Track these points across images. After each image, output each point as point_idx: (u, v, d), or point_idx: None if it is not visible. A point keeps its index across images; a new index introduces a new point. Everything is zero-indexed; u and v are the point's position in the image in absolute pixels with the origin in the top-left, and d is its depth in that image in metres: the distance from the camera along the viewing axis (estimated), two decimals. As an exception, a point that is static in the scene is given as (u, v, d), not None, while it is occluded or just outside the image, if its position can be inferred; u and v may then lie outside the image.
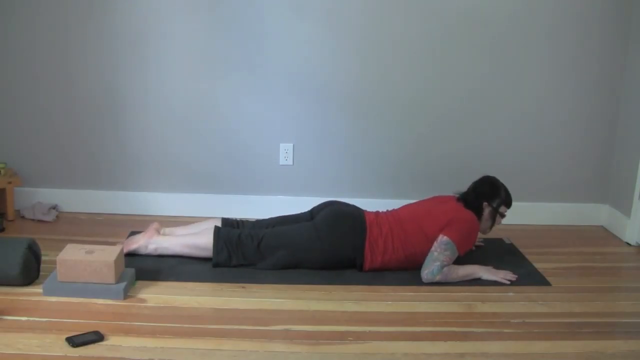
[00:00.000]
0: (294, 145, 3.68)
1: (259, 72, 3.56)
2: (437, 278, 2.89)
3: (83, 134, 3.63)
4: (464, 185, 3.22)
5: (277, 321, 2.51)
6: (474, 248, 3.32)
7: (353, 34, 3.54)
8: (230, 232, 3.00)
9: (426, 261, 2.92)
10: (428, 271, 2.89)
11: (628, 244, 3.55)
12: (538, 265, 3.16)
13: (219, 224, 3.12)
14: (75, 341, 2.25)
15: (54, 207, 3.64)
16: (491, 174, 3.19)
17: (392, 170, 3.72)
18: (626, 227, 3.56)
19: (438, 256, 2.89)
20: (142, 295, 2.68)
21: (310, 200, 3.33)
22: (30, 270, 2.69)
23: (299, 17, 3.51)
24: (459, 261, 2.98)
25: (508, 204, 3.13)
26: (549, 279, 3.01)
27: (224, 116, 3.62)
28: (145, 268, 2.89)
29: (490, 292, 2.85)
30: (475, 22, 3.53)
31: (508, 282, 2.93)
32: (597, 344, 2.43)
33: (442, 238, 2.91)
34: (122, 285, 2.64)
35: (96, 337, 2.29)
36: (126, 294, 2.65)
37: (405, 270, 3.00)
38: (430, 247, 2.93)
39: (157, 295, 2.68)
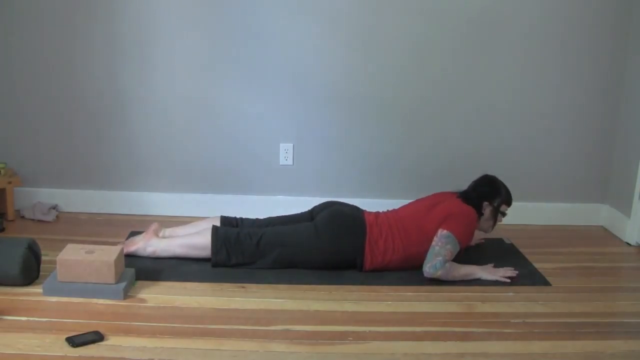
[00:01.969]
0: (294, 145, 3.68)
1: (259, 72, 3.56)
2: (439, 273, 2.88)
3: (83, 134, 3.63)
4: (464, 186, 3.22)
5: (277, 321, 2.51)
6: (473, 244, 3.33)
7: (353, 34, 3.54)
8: (228, 231, 3.00)
9: (428, 256, 2.91)
10: (430, 265, 2.89)
11: (628, 244, 3.55)
12: (538, 265, 3.16)
13: (218, 223, 3.12)
14: (75, 341, 2.25)
15: (54, 207, 3.64)
16: (492, 174, 3.19)
17: (392, 170, 3.71)
18: (626, 227, 3.56)
19: (440, 250, 2.89)
20: (142, 295, 2.68)
21: (311, 200, 3.33)
22: (30, 270, 2.69)
23: (299, 18, 3.51)
24: (459, 261, 2.98)
25: (509, 203, 3.14)
26: (549, 279, 3.01)
27: (224, 116, 3.62)
28: (145, 268, 2.89)
29: (490, 292, 2.85)
30: (476, 23, 3.53)
31: (508, 281, 2.93)
32: (597, 344, 2.43)
33: (442, 232, 2.91)
34: (122, 285, 2.64)
35: (96, 337, 2.29)
36: (126, 294, 2.65)
37: (405, 270, 2.99)
38: (427, 246, 2.93)
39: (157, 295, 2.68)
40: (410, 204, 3.17)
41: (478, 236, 3.32)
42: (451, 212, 2.97)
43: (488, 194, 3.11)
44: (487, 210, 3.09)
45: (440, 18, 3.53)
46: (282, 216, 3.20)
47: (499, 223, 3.16)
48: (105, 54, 3.52)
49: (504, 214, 3.15)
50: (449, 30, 3.55)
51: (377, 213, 3.12)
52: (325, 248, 2.96)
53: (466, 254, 3.03)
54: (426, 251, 2.93)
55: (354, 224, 2.99)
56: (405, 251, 2.96)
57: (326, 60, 3.57)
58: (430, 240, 2.94)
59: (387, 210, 3.17)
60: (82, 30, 3.48)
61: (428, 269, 2.89)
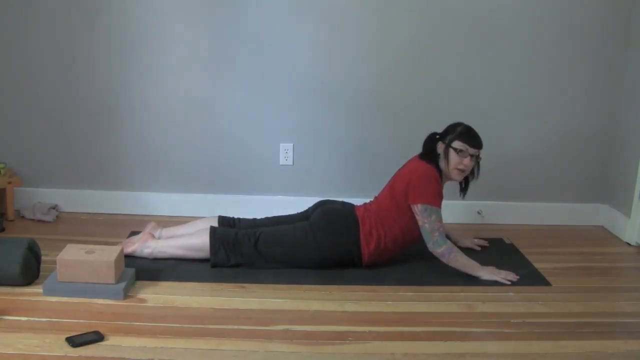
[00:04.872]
0: (294, 145, 3.68)
1: (259, 72, 3.56)
2: (444, 248, 2.90)
3: (83, 134, 3.63)
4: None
5: (277, 321, 2.51)
6: (478, 248, 3.33)
7: (353, 34, 3.54)
8: (226, 232, 3.00)
9: (425, 237, 2.93)
10: (432, 243, 2.91)
11: (628, 244, 3.54)
12: (538, 265, 3.16)
13: (215, 223, 3.12)
14: (75, 341, 2.25)
15: (54, 207, 3.64)
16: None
17: (392, 171, 3.69)
18: (626, 227, 3.56)
19: (430, 226, 2.90)
20: (142, 295, 2.68)
21: (310, 200, 3.32)
22: (30, 270, 2.69)
23: (299, 18, 3.51)
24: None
25: (464, 139, 2.94)
26: (549, 279, 3.01)
27: (224, 116, 3.62)
28: (145, 268, 2.89)
29: (490, 292, 2.85)
30: (479, 24, 3.53)
31: (509, 283, 2.92)
32: (597, 344, 2.43)
33: (417, 207, 2.91)
34: (122, 285, 2.63)
35: (96, 337, 2.29)
36: (126, 294, 2.65)
37: (404, 265, 3.04)
38: (406, 219, 2.95)
39: (157, 295, 2.68)
40: (385, 185, 3.16)
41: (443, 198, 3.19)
42: (409, 181, 2.95)
43: (442, 134, 3.02)
44: (442, 149, 2.99)
45: (442, 18, 3.53)
46: (279, 216, 3.21)
47: (463, 166, 2.94)
48: (106, 54, 3.52)
49: (458, 151, 2.94)
50: (449, 30, 3.55)
51: (365, 205, 3.13)
52: (321, 246, 2.96)
53: (467, 254, 3.02)
54: (408, 226, 2.96)
55: (347, 220, 3.01)
56: (392, 233, 2.98)
57: (327, 60, 3.57)
58: (404, 213, 2.95)
59: (375, 198, 3.18)
60: (82, 31, 3.48)
61: (432, 246, 2.92)
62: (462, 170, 2.99)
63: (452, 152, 2.97)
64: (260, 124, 3.64)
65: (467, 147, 2.96)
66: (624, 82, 3.64)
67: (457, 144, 2.96)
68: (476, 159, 3.02)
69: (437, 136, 3.04)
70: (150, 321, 2.47)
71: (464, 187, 3.16)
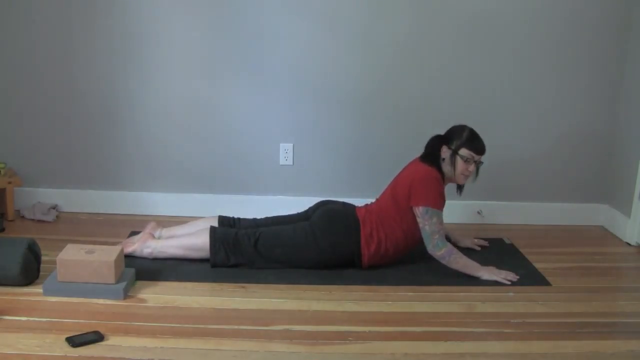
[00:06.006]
0: (294, 145, 3.68)
1: (259, 72, 3.56)
2: (444, 250, 2.90)
3: (83, 134, 3.63)
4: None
5: (277, 321, 2.51)
6: (477, 248, 3.33)
7: (354, 33, 3.54)
8: (226, 232, 3.00)
9: (425, 239, 2.94)
10: (432, 245, 2.91)
11: (628, 244, 3.55)
12: (538, 265, 3.16)
13: (215, 223, 3.12)
14: (75, 341, 2.25)
15: (54, 207, 3.64)
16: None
17: (393, 171, 3.69)
18: (626, 227, 3.56)
19: (430, 228, 2.90)
20: (142, 295, 2.68)
21: (310, 200, 3.32)
22: (30, 270, 2.69)
23: (299, 17, 3.51)
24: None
25: (471, 147, 2.95)
26: (549, 279, 3.01)
27: (224, 116, 3.62)
28: (145, 268, 2.89)
29: (490, 292, 2.85)
30: (480, 24, 3.53)
31: (509, 283, 2.92)
32: (597, 344, 2.43)
33: (418, 210, 2.91)
34: (122, 285, 2.64)
35: (96, 337, 2.29)
36: (126, 294, 2.65)
37: (404, 263, 3.04)
38: (407, 221, 2.95)
39: (157, 295, 2.68)
40: (387, 187, 3.15)
41: (445, 200, 3.17)
42: (411, 183, 2.96)
43: (446, 137, 3.01)
44: (447, 154, 2.99)
45: (440, 19, 3.53)
46: (279, 216, 3.21)
47: (468, 172, 2.97)
48: (105, 54, 3.52)
49: (465, 159, 2.95)
50: (448, 30, 3.55)
51: (366, 206, 3.13)
52: (322, 246, 2.96)
53: (467, 254, 3.03)
54: (410, 228, 2.96)
55: (348, 221, 3.01)
56: (394, 235, 2.98)
57: (327, 60, 3.57)
58: (406, 215, 2.96)
59: (376, 200, 3.18)
60: (82, 31, 3.48)
61: (432, 249, 2.92)
62: (467, 176, 3.03)
63: (459, 160, 2.98)
64: (260, 124, 3.64)
65: (474, 155, 2.99)
66: (624, 82, 3.64)
67: (464, 152, 2.97)
68: (478, 163, 3.04)
69: (441, 139, 3.04)
70: (150, 321, 2.47)
71: (460, 185, 3.17)
